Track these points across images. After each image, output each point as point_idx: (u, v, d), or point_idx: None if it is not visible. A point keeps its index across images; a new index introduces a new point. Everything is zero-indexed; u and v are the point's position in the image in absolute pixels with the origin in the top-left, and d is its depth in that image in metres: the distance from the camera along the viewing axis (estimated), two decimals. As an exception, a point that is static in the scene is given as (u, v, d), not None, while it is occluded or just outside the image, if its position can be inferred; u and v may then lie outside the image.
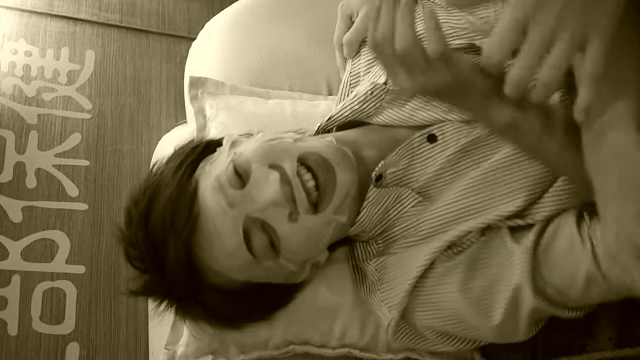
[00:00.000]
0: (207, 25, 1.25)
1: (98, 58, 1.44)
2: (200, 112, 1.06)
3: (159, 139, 1.32)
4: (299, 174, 0.70)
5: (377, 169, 0.76)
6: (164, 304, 0.76)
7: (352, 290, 0.87)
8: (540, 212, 0.71)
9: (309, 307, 0.85)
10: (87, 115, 1.39)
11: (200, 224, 0.69)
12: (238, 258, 0.70)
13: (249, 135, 0.82)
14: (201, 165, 0.75)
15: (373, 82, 0.82)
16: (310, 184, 0.70)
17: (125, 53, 1.46)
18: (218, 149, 0.78)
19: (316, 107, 1.07)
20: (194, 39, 1.26)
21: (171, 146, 1.09)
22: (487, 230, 0.73)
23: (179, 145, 0.81)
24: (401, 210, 0.78)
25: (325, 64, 1.13)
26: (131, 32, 1.49)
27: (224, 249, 0.70)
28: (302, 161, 0.71)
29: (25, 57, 1.40)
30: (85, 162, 1.35)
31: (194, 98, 1.07)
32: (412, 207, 0.76)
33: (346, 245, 0.84)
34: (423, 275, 0.75)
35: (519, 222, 0.72)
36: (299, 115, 1.04)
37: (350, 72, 0.90)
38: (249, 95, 1.08)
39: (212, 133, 1.02)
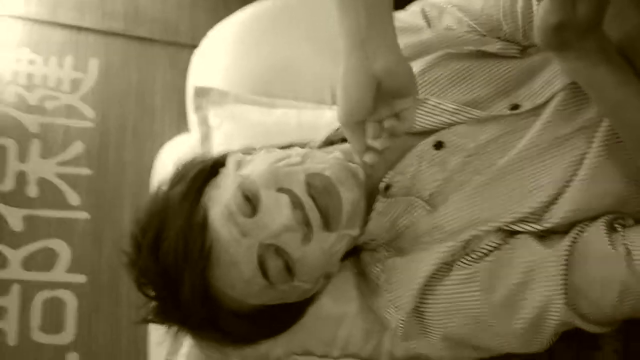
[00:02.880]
0: (210, 33, 1.24)
1: (102, 66, 1.43)
2: (204, 122, 1.06)
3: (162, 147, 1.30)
4: (310, 194, 0.70)
5: (385, 179, 0.75)
6: (177, 329, 0.76)
7: (356, 299, 0.86)
8: (556, 215, 0.69)
9: (312, 317, 0.84)
10: (90, 124, 1.38)
11: (214, 255, 0.69)
12: (254, 284, 0.70)
13: (252, 150, 0.81)
14: (206, 190, 0.73)
15: None
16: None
17: (129, 61, 1.45)
18: (222, 171, 0.76)
19: (321, 116, 1.06)
20: (197, 47, 1.24)
21: (172, 156, 1.13)
22: (508, 236, 0.72)
23: (181, 162, 0.80)
24: (411, 219, 0.77)
25: (329, 73, 1.05)
26: (135, 40, 1.47)
27: (239, 277, 0.69)
28: (308, 184, 0.70)
29: (28, 65, 1.38)
30: (88, 171, 1.34)
31: (198, 108, 1.07)
32: (422, 216, 0.76)
33: (354, 254, 0.83)
34: (438, 278, 0.73)
35: (537, 227, 0.70)
36: (304, 125, 1.04)
37: None
38: (254, 105, 1.08)
39: (216, 142, 1.02)
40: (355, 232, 0.74)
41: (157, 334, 0.86)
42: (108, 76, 1.43)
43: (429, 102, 0.76)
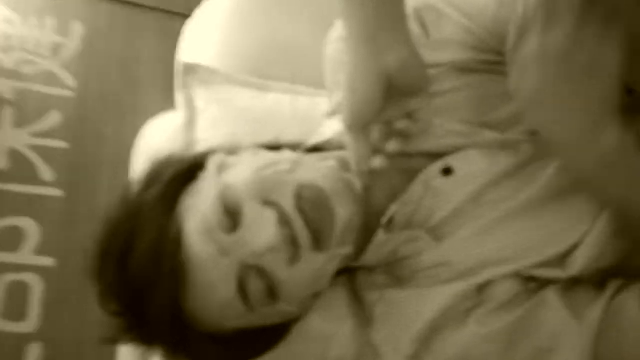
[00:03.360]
0: (206, 3, 1.17)
1: (86, 31, 1.39)
2: (190, 103, 1.00)
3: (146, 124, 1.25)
4: (299, 210, 0.64)
5: (387, 213, 0.69)
6: (145, 348, 0.71)
7: (348, 318, 0.78)
8: (579, 262, 0.65)
9: (298, 337, 0.77)
10: (70, 93, 1.34)
11: (188, 274, 0.63)
12: (232, 308, 0.65)
13: (236, 150, 0.75)
14: (183, 197, 0.68)
15: None
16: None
17: (116, 27, 1.41)
18: (201, 175, 0.70)
19: (319, 105, 0.98)
20: (191, 17, 1.19)
21: (156, 135, 1.09)
22: (529, 283, 0.67)
23: (157, 159, 0.73)
24: (413, 250, 0.71)
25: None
26: (123, 5, 1.43)
27: (216, 300, 0.65)
28: (298, 197, 0.65)
29: (4, 24, 1.33)
30: (64, 144, 1.29)
31: (183, 86, 1.01)
32: (425, 249, 0.70)
33: (346, 272, 0.77)
34: (447, 325, 0.68)
35: (559, 273, 0.66)
36: (299, 114, 0.98)
37: None
38: (245, 87, 1.02)
39: (201, 127, 0.97)
40: (348, 250, 0.69)
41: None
42: (92, 42, 1.40)
43: (434, 121, 0.70)
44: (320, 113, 0.91)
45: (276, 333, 0.73)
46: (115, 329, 0.69)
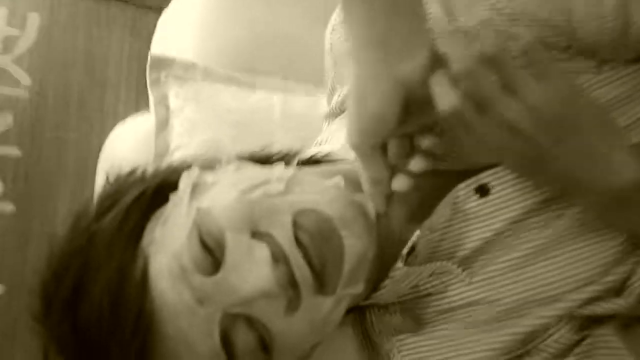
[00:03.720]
0: None
1: (43, 23, 1.32)
2: (162, 102, 0.94)
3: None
4: (298, 242, 0.56)
5: (410, 242, 0.62)
6: None
7: None
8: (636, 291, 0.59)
9: None
10: (24, 93, 1.27)
11: (157, 328, 0.56)
12: None
13: (215, 163, 0.67)
14: (150, 226, 0.60)
15: None
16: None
17: (78, 20, 1.34)
18: (172, 197, 0.62)
19: (315, 105, 0.93)
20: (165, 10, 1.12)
21: (125, 141, 1.01)
22: (585, 328, 0.60)
23: (115, 176, 0.66)
24: (438, 287, 0.65)
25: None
26: None
27: (192, 359, 0.57)
28: (296, 226, 0.57)
29: None
30: (16, 152, 1.23)
31: (154, 83, 0.95)
32: (454, 285, 0.64)
33: (354, 310, 0.69)
34: None
35: (619, 304, 0.59)
36: (291, 117, 0.93)
37: None
38: (228, 84, 0.96)
39: (176, 132, 0.91)
40: (358, 289, 0.61)
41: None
42: (51, 36, 1.32)
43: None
44: (318, 113, 0.88)
45: None
46: None
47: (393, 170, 0.57)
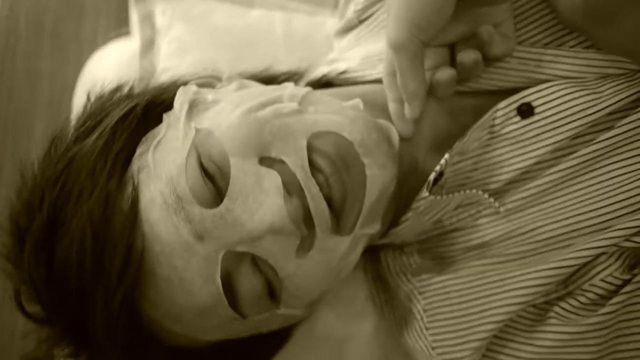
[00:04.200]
0: None
1: None
2: (148, 20, 0.88)
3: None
4: (313, 172, 0.50)
5: (437, 167, 0.56)
6: None
7: (370, 315, 0.68)
8: None
9: (305, 339, 0.67)
10: None
11: (148, 268, 0.50)
12: (213, 316, 0.52)
13: (215, 80, 0.61)
14: (140, 150, 0.54)
15: None
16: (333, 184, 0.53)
17: None
18: (166, 117, 0.56)
19: (321, 26, 0.88)
20: None
21: (103, 69, 0.94)
22: (635, 264, 0.54)
23: (97, 93, 0.60)
24: (465, 219, 0.59)
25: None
26: None
27: (189, 304, 0.52)
28: (311, 150, 0.51)
29: None
30: None
31: None
32: (487, 217, 0.58)
33: (367, 251, 0.64)
34: (519, 328, 0.56)
35: None
36: (294, 36, 0.86)
37: None
38: (222, 1, 0.89)
39: (163, 53, 0.84)
40: (376, 228, 0.56)
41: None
42: None
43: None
44: (323, 35, 0.85)
45: (272, 342, 0.63)
46: (44, 343, 0.58)
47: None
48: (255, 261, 0.52)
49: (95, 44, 1.15)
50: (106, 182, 0.52)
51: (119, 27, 1.15)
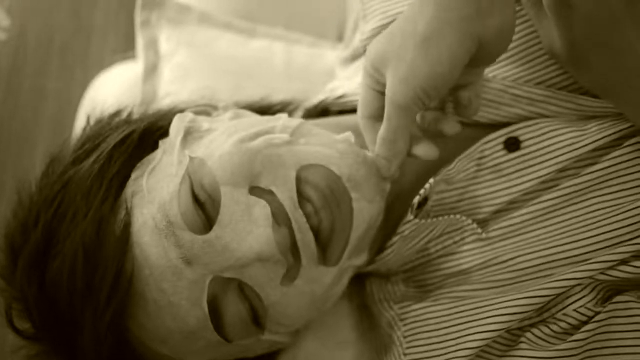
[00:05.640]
0: None
1: None
2: (152, 46, 0.89)
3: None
4: (301, 203, 0.52)
5: (422, 191, 0.57)
6: None
7: (354, 343, 0.68)
8: None
9: None
10: (2, 35, 1.21)
11: (137, 290, 0.52)
12: (199, 339, 0.54)
13: (211, 109, 0.62)
14: (135, 174, 0.55)
15: None
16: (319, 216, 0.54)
17: None
18: (162, 144, 0.57)
19: (320, 58, 0.89)
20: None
21: (108, 90, 0.95)
22: (609, 297, 0.55)
23: (96, 117, 0.62)
24: (450, 246, 0.60)
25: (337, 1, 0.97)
26: None
27: (176, 327, 0.53)
28: (300, 182, 0.53)
29: None
30: None
31: (145, 24, 0.89)
32: (470, 244, 0.59)
33: (355, 278, 0.66)
34: (493, 353, 0.56)
35: None
36: (294, 67, 0.87)
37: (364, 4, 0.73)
38: (225, 30, 0.91)
39: (165, 79, 0.85)
40: (362, 259, 0.58)
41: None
42: None
43: (491, 84, 0.60)
44: (322, 67, 0.86)
45: None
46: (33, 359, 0.58)
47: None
48: (242, 287, 0.52)
49: (101, 65, 1.17)
50: (100, 205, 0.53)
51: (127, 49, 1.19)
